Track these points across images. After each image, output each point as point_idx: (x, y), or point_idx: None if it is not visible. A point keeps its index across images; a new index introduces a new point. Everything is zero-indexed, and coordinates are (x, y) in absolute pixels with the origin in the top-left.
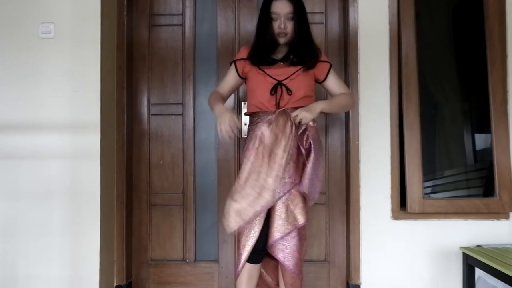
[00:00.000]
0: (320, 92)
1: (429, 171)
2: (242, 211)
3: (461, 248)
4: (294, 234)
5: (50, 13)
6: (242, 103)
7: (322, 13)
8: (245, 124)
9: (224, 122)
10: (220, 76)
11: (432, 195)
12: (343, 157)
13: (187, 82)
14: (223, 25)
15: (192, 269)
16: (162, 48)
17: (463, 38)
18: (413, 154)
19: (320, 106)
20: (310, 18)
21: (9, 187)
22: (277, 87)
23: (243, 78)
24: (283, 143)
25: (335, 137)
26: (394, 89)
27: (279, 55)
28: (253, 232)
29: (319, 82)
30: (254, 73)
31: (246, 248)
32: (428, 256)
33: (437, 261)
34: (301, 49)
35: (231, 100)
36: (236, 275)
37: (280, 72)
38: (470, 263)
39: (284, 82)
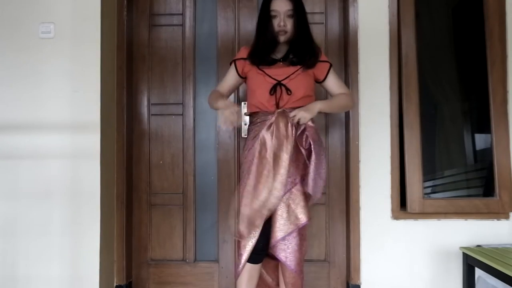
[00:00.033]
0: (320, 92)
1: (429, 171)
2: (252, 217)
3: (461, 248)
4: (295, 234)
5: (50, 13)
6: (242, 103)
7: (322, 13)
8: (245, 124)
9: (225, 113)
10: (220, 76)
11: (432, 195)
12: (343, 157)
13: (187, 82)
14: (223, 25)
15: (192, 269)
16: (162, 48)
17: (463, 38)
18: (413, 154)
19: (318, 106)
20: (310, 18)
21: (9, 187)
22: (277, 87)
23: (243, 78)
24: (286, 145)
25: (335, 137)
26: (394, 89)
27: (279, 54)
28: (253, 232)
29: (319, 82)
30: (253, 73)
31: (246, 249)
32: (428, 256)
33: (437, 261)
34: (301, 48)
35: (231, 100)
36: (237, 275)
37: (280, 72)
38: (470, 263)
39: (283, 82)
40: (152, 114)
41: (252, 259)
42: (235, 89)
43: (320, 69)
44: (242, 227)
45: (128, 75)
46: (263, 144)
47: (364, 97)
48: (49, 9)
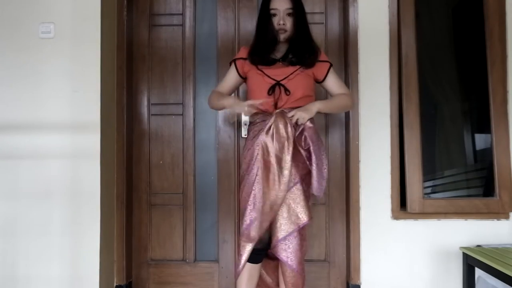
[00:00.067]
0: (320, 92)
1: (429, 171)
2: (262, 221)
3: (461, 248)
4: (296, 233)
5: (50, 13)
6: None
7: (322, 13)
8: (245, 124)
9: (243, 104)
10: (220, 76)
11: (432, 195)
12: (343, 157)
13: (187, 82)
14: (223, 25)
15: (192, 269)
16: (162, 48)
17: (463, 38)
18: (413, 154)
19: (317, 106)
20: (310, 18)
21: (9, 187)
22: (275, 87)
23: (243, 78)
24: (287, 147)
25: (335, 137)
26: (394, 89)
27: (278, 54)
28: (253, 233)
29: (319, 82)
30: (253, 73)
31: (246, 249)
32: (428, 256)
33: (437, 261)
34: (300, 47)
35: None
36: (237, 275)
37: (279, 72)
38: (470, 263)
39: (282, 82)
40: (152, 114)
41: (252, 259)
42: (235, 89)
43: (319, 69)
44: (253, 232)
45: (128, 75)
46: (265, 148)
47: (364, 97)
48: (49, 9)
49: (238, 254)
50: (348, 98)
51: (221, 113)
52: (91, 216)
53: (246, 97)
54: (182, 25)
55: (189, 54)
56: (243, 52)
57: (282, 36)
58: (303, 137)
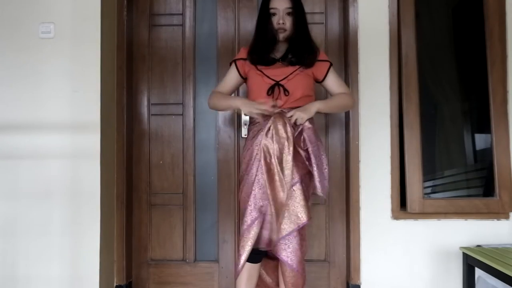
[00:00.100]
0: (320, 92)
1: (429, 171)
2: (272, 223)
3: (461, 248)
4: (295, 233)
5: (50, 13)
6: None
7: (322, 13)
8: (245, 125)
9: (261, 105)
10: (220, 76)
11: (432, 195)
12: (343, 157)
13: (187, 82)
14: (223, 25)
15: (192, 269)
16: (162, 48)
17: (463, 38)
18: (413, 154)
19: (316, 106)
20: (310, 18)
21: (9, 187)
22: (274, 88)
23: (244, 78)
24: (288, 147)
25: (335, 137)
26: (394, 89)
27: (278, 54)
28: (252, 232)
29: (319, 81)
30: (253, 73)
31: (245, 249)
32: (428, 256)
33: (437, 261)
34: (299, 46)
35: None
36: (236, 274)
37: (278, 72)
38: (470, 263)
39: (281, 82)
40: (152, 114)
41: (251, 258)
42: (236, 89)
43: (319, 68)
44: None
45: (128, 75)
46: (266, 151)
47: (364, 97)
48: (49, 9)
49: (238, 254)
50: (348, 97)
51: (221, 113)
52: (91, 216)
53: (246, 97)
54: (182, 25)
55: (189, 54)
56: (243, 53)
57: (281, 36)
58: (302, 137)
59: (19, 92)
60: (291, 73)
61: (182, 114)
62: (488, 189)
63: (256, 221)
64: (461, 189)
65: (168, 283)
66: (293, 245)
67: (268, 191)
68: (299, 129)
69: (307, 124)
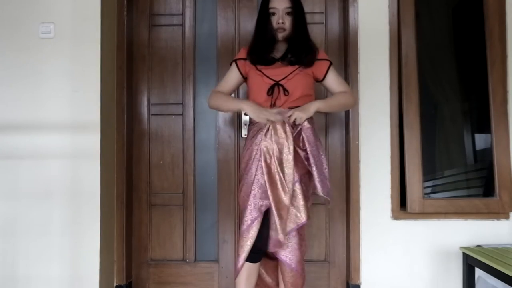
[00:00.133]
0: (320, 92)
1: (429, 171)
2: (276, 223)
3: (461, 248)
4: (294, 233)
5: (50, 13)
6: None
7: (322, 13)
8: (245, 124)
9: (268, 114)
10: (220, 76)
11: (432, 195)
12: (343, 157)
13: (187, 82)
14: (223, 25)
15: (192, 269)
16: (162, 48)
17: (463, 38)
18: (413, 154)
19: (315, 105)
20: (310, 18)
21: (9, 187)
22: (274, 88)
23: (245, 78)
24: (288, 147)
25: (335, 137)
26: (394, 89)
27: (278, 54)
28: (252, 232)
29: (319, 81)
30: (253, 73)
31: (245, 249)
32: (428, 256)
33: (437, 261)
34: (299, 46)
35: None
36: (236, 274)
37: (278, 72)
38: (470, 263)
39: (281, 82)
40: (152, 114)
41: (251, 258)
42: (236, 89)
43: (319, 67)
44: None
45: (128, 75)
46: (266, 152)
47: (364, 97)
48: (49, 9)
49: (237, 253)
50: (348, 96)
51: (221, 113)
52: (91, 216)
53: (246, 97)
54: (182, 25)
55: (189, 54)
56: (243, 53)
57: (281, 35)
58: (301, 137)
59: (19, 92)
60: (290, 73)
61: (182, 114)
62: (488, 189)
63: (256, 221)
64: (461, 189)
65: (168, 283)
66: (291, 244)
67: (269, 192)
68: (298, 129)
69: (306, 124)
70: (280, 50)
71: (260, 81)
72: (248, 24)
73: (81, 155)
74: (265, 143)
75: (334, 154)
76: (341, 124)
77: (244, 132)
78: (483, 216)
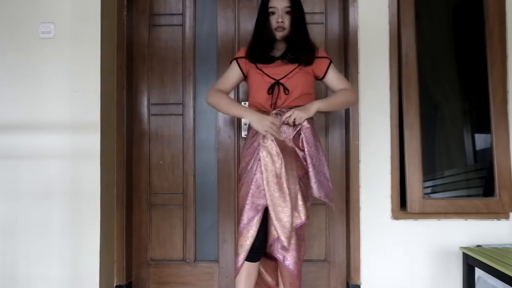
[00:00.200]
0: (319, 90)
1: (429, 171)
2: (285, 223)
3: (461, 248)
4: (293, 233)
5: (50, 13)
6: (242, 103)
7: (322, 13)
8: (245, 124)
9: (268, 127)
10: (220, 76)
11: (432, 195)
12: (343, 157)
13: (187, 82)
14: (223, 25)
15: (192, 269)
16: (162, 48)
17: (463, 38)
18: (413, 154)
19: (316, 105)
20: (310, 18)
21: (9, 187)
22: (274, 87)
23: (246, 76)
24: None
25: (335, 137)
26: (394, 89)
27: (278, 53)
28: (251, 231)
29: (319, 79)
30: (253, 72)
31: (244, 248)
32: (428, 256)
33: (437, 261)
34: (298, 45)
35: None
36: (235, 273)
37: (278, 70)
38: (470, 263)
39: (281, 81)
40: (152, 114)
41: (250, 257)
42: (236, 87)
43: (319, 65)
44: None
45: (128, 75)
46: (265, 152)
47: (364, 97)
48: (49, 9)
49: (236, 253)
50: (350, 93)
51: (221, 113)
52: (91, 216)
53: (246, 96)
54: (182, 25)
55: (189, 54)
56: (243, 52)
57: (280, 34)
58: (300, 137)
59: (19, 92)
60: (291, 71)
61: (182, 114)
62: (488, 189)
63: (254, 220)
64: (461, 189)
65: (168, 283)
66: (290, 245)
67: (266, 192)
68: (298, 129)
69: (305, 123)
70: (279, 49)
71: (260, 79)
72: (248, 24)
73: (81, 155)
74: (264, 144)
75: (334, 154)
76: (341, 124)
77: (244, 132)
78: (483, 216)
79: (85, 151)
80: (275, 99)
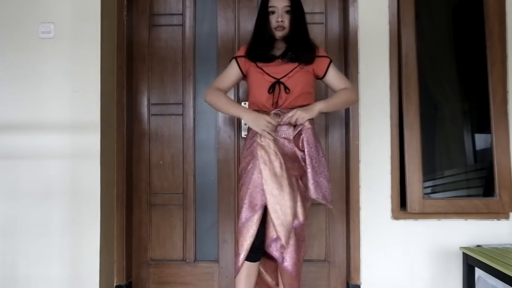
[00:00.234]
0: (319, 89)
1: (429, 171)
2: (283, 221)
3: (461, 248)
4: (291, 234)
5: (50, 13)
6: (242, 103)
7: (322, 13)
8: (245, 124)
9: (264, 126)
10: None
11: (432, 195)
12: (343, 157)
13: (187, 82)
14: (223, 25)
15: (192, 269)
16: (162, 48)
17: (463, 38)
18: (413, 154)
19: (319, 106)
20: (310, 18)
21: (9, 187)
22: (275, 86)
23: (245, 76)
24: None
25: (335, 137)
26: (394, 89)
27: (278, 52)
28: (251, 231)
29: (320, 78)
30: (253, 71)
31: (244, 248)
32: (428, 256)
33: (437, 261)
34: (298, 44)
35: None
36: (235, 273)
37: (279, 69)
38: (470, 263)
39: (282, 80)
40: (152, 114)
41: (250, 257)
42: (234, 85)
43: (319, 64)
44: (284, 237)
45: (128, 75)
46: (265, 151)
47: (364, 97)
48: (49, 9)
49: (236, 253)
50: (350, 92)
51: (221, 113)
52: (91, 216)
53: (246, 95)
54: (182, 25)
55: (189, 54)
56: (243, 51)
57: (280, 34)
58: (300, 138)
59: (19, 92)
60: (291, 70)
61: (182, 114)
62: (488, 189)
63: (253, 220)
64: (461, 189)
65: (168, 283)
66: (288, 246)
67: (266, 190)
68: (299, 129)
69: (307, 124)
70: (279, 48)
71: (260, 78)
72: (248, 24)
73: (81, 155)
74: (262, 143)
75: (334, 154)
76: (341, 124)
77: (244, 132)
78: (483, 216)
79: (85, 151)
80: (276, 98)
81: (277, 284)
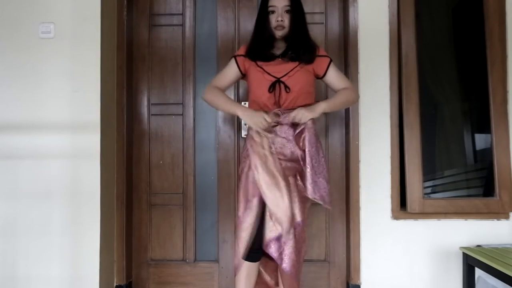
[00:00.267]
0: (319, 89)
1: (429, 171)
2: (279, 218)
3: (461, 248)
4: (290, 235)
5: (50, 13)
6: (242, 103)
7: (322, 13)
8: (245, 124)
9: (260, 123)
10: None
11: (432, 195)
12: (343, 157)
13: (187, 82)
14: (223, 25)
15: (192, 269)
16: (162, 48)
17: (463, 38)
18: (413, 154)
19: (322, 106)
20: (310, 18)
21: (9, 187)
22: (275, 85)
23: (244, 75)
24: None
25: (335, 137)
26: (394, 89)
27: (278, 51)
28: (245, 224)
29: (320, 77)
30: (253, 70)
31: (241, 240)
32: (428, 256)
33: (437, 261)
34: (298, 43)
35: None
36: (235, 273)
37: (279, 68)
38: (470, 263)
39: (282, 79)
40: (152, 114)
41: (250, 257)
42: (233, 84)
43: (319, 64)
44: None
45: (128, 75)
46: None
47: (364, 97)
48: (49, 9)
49: (236, 253)
50: (351, 92)
51: (221, 113)
52: (91, 216)
53: (246, 95)
54: (182, 25)
55: (189, 54)
56: (243, 50)
57: (279, 33)
58: (302, 137)
59: (19, 92)
60: (291, 70)
61: (182, 114)
62: (488, 189)
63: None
64: (461, 189)
65: (168, 283)
66: (287, 247)
67: (266, 192)
68: (301, 128)
69: (309, 123)
70: (279, 48)
71: (260, 77)
72: (248, 24)
73: (81, 155)
74: (256, 139)
75: (334, 154)
76: (341, 124)
77: (244, 132)
78: (483, 216)
79: (85, 151)
80: (277, 97)
81: (277, 284)
